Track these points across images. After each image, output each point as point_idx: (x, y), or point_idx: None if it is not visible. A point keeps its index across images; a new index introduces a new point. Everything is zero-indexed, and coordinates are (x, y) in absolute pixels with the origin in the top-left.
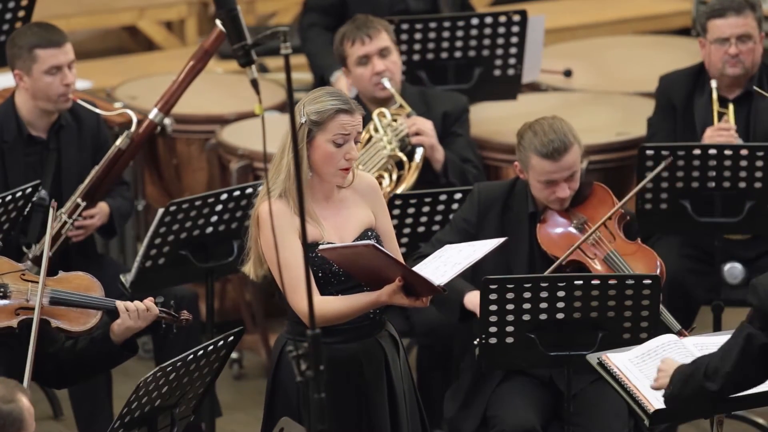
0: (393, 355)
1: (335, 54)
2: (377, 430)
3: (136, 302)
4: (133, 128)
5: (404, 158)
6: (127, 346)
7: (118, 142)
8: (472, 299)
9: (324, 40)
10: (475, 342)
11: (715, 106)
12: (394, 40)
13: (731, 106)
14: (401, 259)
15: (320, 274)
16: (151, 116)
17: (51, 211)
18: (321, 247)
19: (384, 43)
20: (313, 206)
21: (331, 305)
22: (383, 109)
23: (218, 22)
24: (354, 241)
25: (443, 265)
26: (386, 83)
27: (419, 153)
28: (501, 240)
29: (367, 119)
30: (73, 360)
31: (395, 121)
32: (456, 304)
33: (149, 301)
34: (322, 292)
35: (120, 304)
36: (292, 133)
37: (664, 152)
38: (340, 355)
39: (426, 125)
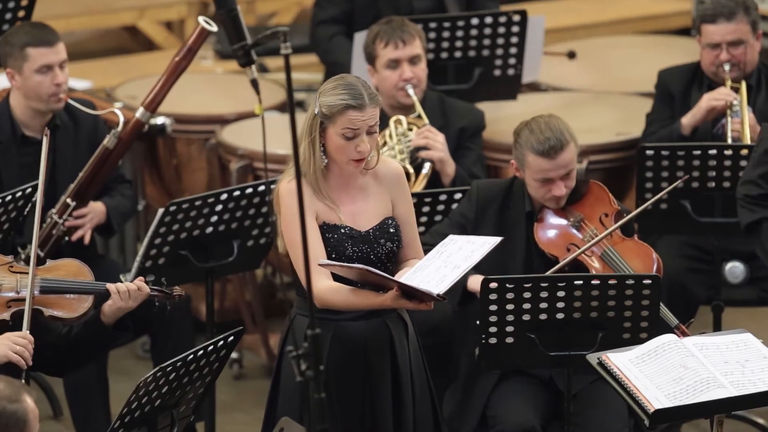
0: (400, 338)
1: (364, 51)
2: (378, 410)
3: (127, 283)
4: (120, 127)
5: (411, 170)
6: (119, 327)
7: (105, 141)
8: (478, 280)
9: (349, 49)
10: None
11: (728, 84)
12: (425, 48)
13: (744, 83)
14: (420, 247)
15: (333, 256)
16: (137, 115)
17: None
18: (321, 261)
19: (416, 51)
20: (330, 191)
21: (339, 296)
22: (401, 117)
23: (201, 19)
24: (372, 229)
25: (443, 266)
26: (410, 91)
27: (426, 167)
28: (497, 240)
29: (383, 123)
30: (69, 346)
31: (410, 130)
32: (459, 287)
33: (140, 281)
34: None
35: (111, 286)
36: (293, 134)
37: (664, 152)
38: (345, 332)
39: (436, 139)
